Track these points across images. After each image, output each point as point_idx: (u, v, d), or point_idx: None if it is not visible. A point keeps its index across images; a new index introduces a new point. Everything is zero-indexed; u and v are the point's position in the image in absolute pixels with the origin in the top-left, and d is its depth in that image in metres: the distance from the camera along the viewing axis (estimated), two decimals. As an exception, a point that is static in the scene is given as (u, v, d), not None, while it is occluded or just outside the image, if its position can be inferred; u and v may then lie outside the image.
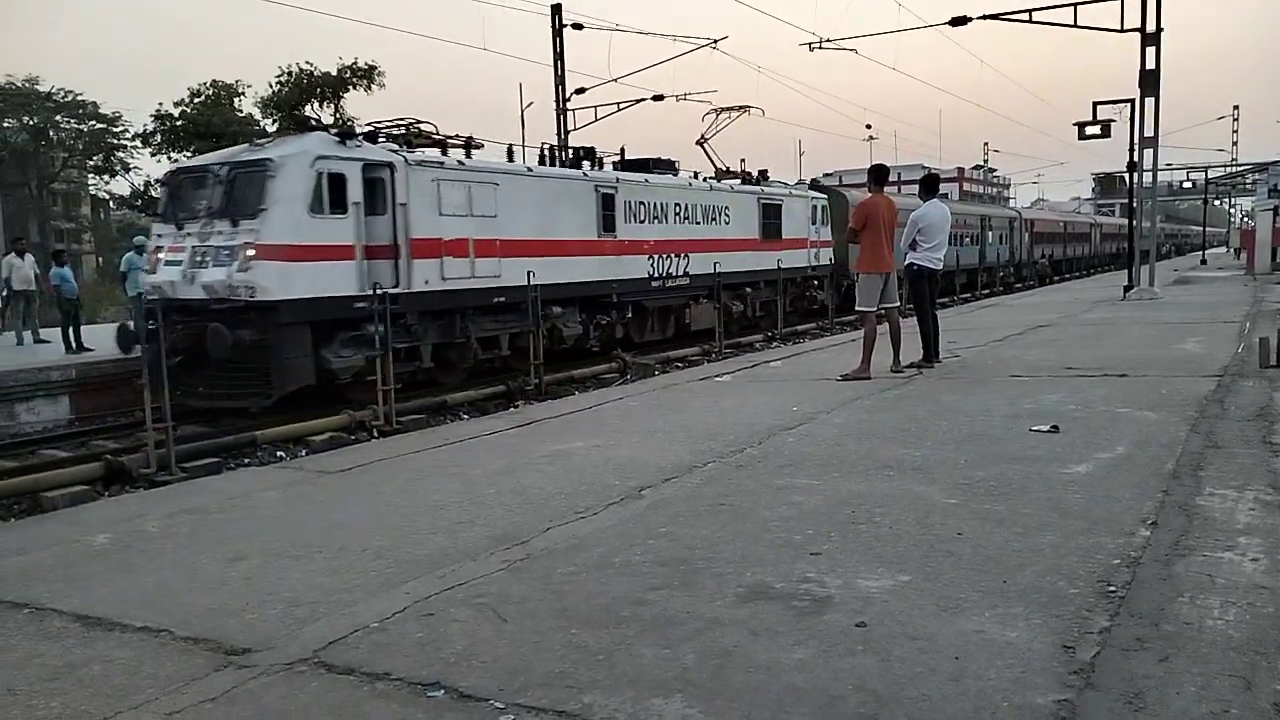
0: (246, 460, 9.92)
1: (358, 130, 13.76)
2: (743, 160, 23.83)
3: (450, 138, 14.80)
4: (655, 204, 18.34)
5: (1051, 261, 45.26)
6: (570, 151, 18.09)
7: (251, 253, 11.48)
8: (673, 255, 18.73)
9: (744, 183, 22.34)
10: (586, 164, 17.76)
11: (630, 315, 17.86)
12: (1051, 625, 3.24)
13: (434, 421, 11.66)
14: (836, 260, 24.85)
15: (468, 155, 14.84)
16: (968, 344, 12.22)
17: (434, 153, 14.32)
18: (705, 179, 21.03)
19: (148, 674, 3.26)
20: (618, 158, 19.56)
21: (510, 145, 16.17)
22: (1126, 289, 21.56)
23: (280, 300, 11.51)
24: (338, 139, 12.76)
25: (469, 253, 13.90)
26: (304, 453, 10.01)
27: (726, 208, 20.60)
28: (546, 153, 17.12)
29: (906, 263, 10.32)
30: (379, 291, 11.58)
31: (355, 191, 12.38)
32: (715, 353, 17.29)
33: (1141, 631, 3.16)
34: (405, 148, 13.65)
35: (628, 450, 6.73)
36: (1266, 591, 3.47)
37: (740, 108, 23.03)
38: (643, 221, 17.91)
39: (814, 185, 26.39)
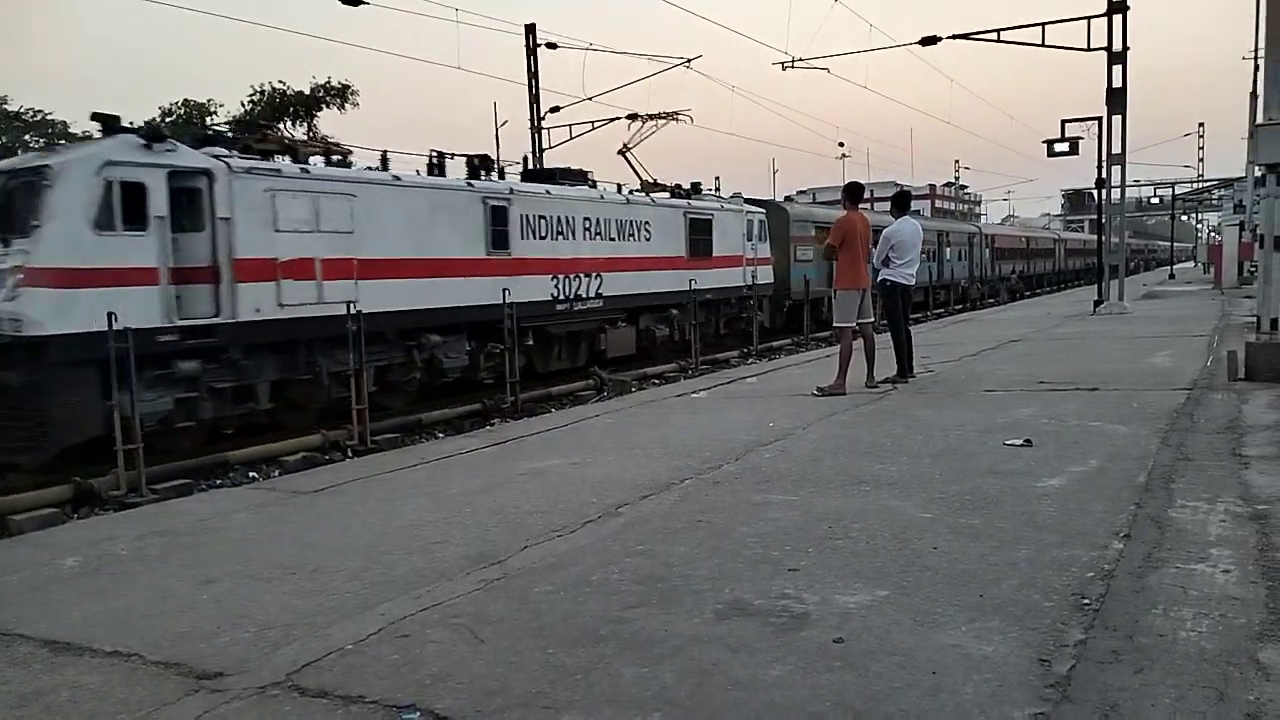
0: (219, 481, 9.79)
1: (166, 133, 11.74)
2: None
3: (304, 143, 13.11)
4: (560, 219, 16.52)
5: (1016, 278, 44.85)
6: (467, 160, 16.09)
7: (20, 277, 9.69)
8: (582, 275, 16.89)
9: (673, 196, 20.92)
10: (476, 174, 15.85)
11: (532, 342, 15.82)
12: (1027, 639, 3.26)
13: (409, 440, 11.58)
14: (777, 279, 23.66)
15: (329, 164, 13.15)
16: (941, 359, 12.31)
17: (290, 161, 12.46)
18: (632, 191, 19.76)
19: (118, 699, 3.21)
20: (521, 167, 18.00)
21: (384, 152, 14.29)
22: (1096, 304, 21.79)
23: (54, 335, 9.61)
24: (143, 143, 10.82)
25: (315, 275, 12.05)
26: (277, 473, 9.89)
27: (647, 223, 18.86)
28: (434, 160, 15.25)
29: (880, 279, 10.40)
30: (353, 310, 11.08)
31: (159, 204, 10.55)
32: (691, 369, 17.32)
33: (1116, 644, 3.18)
34: (239, 154, 11.80)
35: (605, 468, 6.71)
36: (1238, 603, 3.50)
37: (666, 115, 21.79)
38: (544, 238, 16.10)
39: (762, 201, 24.95)
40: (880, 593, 3.79)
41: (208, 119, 35.43)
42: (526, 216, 15.71)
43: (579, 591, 4.01)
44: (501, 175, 16.68)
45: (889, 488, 5.52)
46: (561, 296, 16.49)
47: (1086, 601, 3.57)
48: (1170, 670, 2.96)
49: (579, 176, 18.37)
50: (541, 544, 4.77)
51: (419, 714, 2.94)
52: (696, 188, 22.13)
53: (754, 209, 23.27)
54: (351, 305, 11.39)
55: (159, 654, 3.57)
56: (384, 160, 14.32)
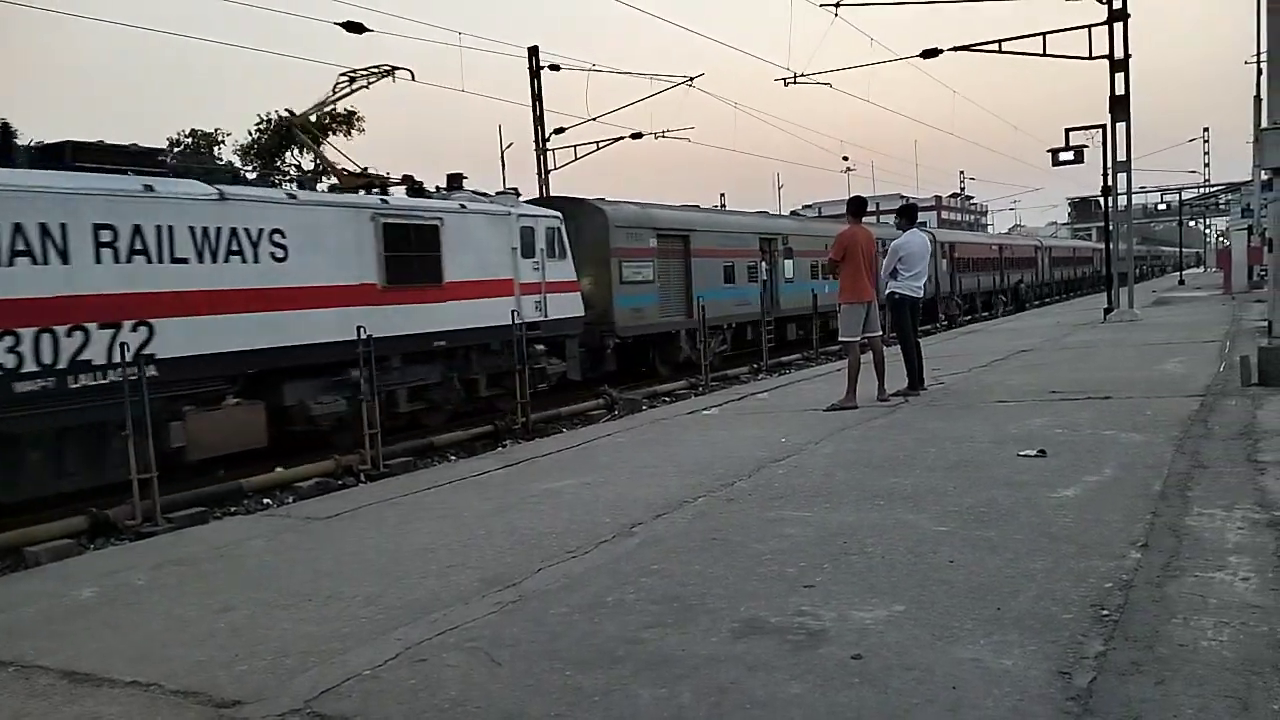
0: (233, 509, 9.81)
1: None
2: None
3: None
4: (26, 231, 9.05)
5: (979, 294, 37.49)
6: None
7: None
8: (93, 327, 9.53)
9: (368, 190, 14.04)
10: None
11: None
12: (1047, 651, 3.24)
13: (421, 464, 11.59)
14: (595, 310, 16.89)
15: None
16: (952, 370, 12.28)
17: None
18: (291, 185, 13.71)
19: (137, 730, 3.21)
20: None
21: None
22: (1106, 311, 21.77)
23: None
24: None
25: None
26: (291, 499, 9.91)
27: (276, 233, 11.38)
28: None
29: (888, 291, 10.42)
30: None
31: None
32: (702, 385, 17.32)
33: (1136, 655, 3.16)
34: None
35: (617, 487, 6.71)
36: (1259, 610, 3.48)
37: (380, 70, 15.49)
38: None
39: (556, 200, 17.77)
40: (897, 608, 3.77)
41: (215, 148, 35.70)
42: None
43: (595, 612, 4.00)
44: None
45: (903, 501, 5.50)
46: (32, 368, 9.12)
47: (1105, 612, 3.55)
48: (1192, 680, 2.94)
49: (138, 158, 10.96)
50: (556, 565, 4.77)
51: (438, 739, 2.93)
52: (456, 181, 15.63)
53: (539, 212, 16.20)
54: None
55: (177, 683, 3.58)
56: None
